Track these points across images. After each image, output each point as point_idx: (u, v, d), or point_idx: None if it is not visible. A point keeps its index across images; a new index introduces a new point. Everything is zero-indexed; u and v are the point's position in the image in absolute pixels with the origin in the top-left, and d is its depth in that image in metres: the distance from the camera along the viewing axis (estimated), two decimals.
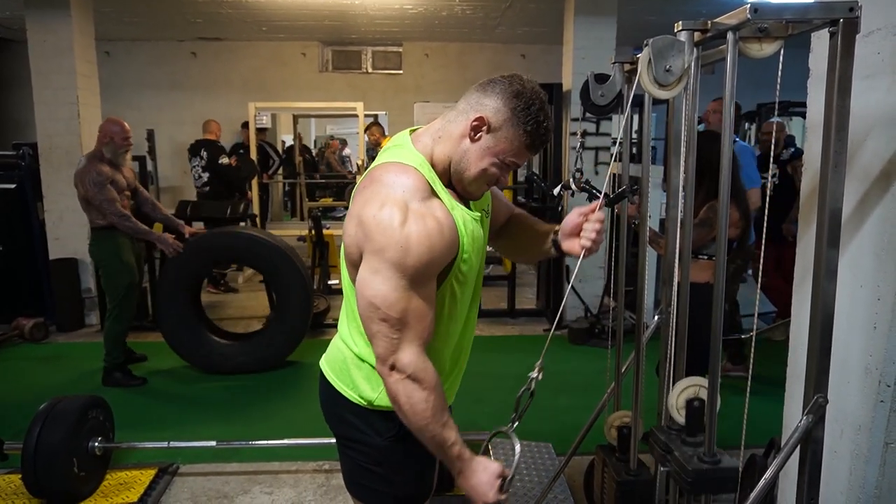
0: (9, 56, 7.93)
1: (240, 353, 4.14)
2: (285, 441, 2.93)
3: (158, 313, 4.07)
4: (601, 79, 1.89)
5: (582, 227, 1.36)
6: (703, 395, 1.52)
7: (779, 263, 4.37)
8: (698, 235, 2.44)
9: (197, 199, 6.16)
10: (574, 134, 4.91)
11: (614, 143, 6.83)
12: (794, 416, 1.80)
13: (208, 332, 4.21)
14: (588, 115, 4.98)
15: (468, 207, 1.28)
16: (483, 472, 1.21)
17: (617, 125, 7.34)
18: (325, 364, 1.42)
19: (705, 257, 2.58)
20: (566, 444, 2.91)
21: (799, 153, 4.38)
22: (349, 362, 1.33)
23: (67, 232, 5.05)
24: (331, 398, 1.37)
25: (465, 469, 1.22)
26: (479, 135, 1.21)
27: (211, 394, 3.86)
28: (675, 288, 1.96)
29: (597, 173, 5.09)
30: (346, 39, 8.35)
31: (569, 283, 5.25)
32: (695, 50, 1.41)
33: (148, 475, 2.80)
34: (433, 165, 1.24)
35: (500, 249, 1.65)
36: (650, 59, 1.33)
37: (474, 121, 1.20)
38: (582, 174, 1.73)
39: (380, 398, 1.29)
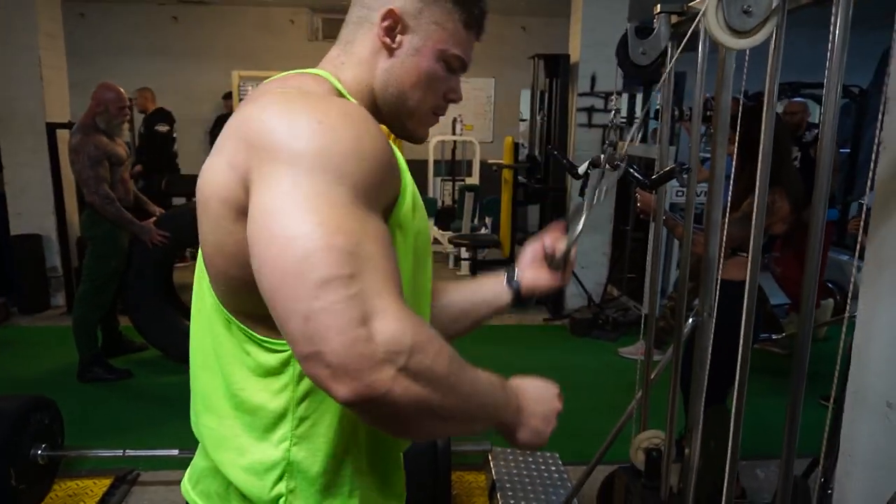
0: None
1: None
2: None
3: (127, 297, 3.71)
4: (643, 33, 1.54)
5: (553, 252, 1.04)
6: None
7: (798, 252, 4.07)
8: (742, 232, 2.02)
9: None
10: (582, 109, 4.55)
11: (624, 120, 6.47)
12: (856, 429, 1.50)
13: (182, 316, 3.87)
14: (596, 88, 4.65)
15: None
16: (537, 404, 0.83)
17: (623, 102, 7.01)
18: (193, 493, 0.89)
19: (745, 254, 2.25)
20: (573, 453, 2.62)
21: None
22: (232, 496, 0.81)
23: (30, 206, 4.66)
24: None
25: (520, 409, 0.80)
26: (397, 39, 0.81)
27: (185, 388, 3.52)
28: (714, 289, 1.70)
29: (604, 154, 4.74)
30: (337, 6, 7.87)
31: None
32: None
33: (102, 485, 2.47)
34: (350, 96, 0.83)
35: None
36: None
37: (384, 21, 0.80)
38: (616, 150, 1.38)
39: None
